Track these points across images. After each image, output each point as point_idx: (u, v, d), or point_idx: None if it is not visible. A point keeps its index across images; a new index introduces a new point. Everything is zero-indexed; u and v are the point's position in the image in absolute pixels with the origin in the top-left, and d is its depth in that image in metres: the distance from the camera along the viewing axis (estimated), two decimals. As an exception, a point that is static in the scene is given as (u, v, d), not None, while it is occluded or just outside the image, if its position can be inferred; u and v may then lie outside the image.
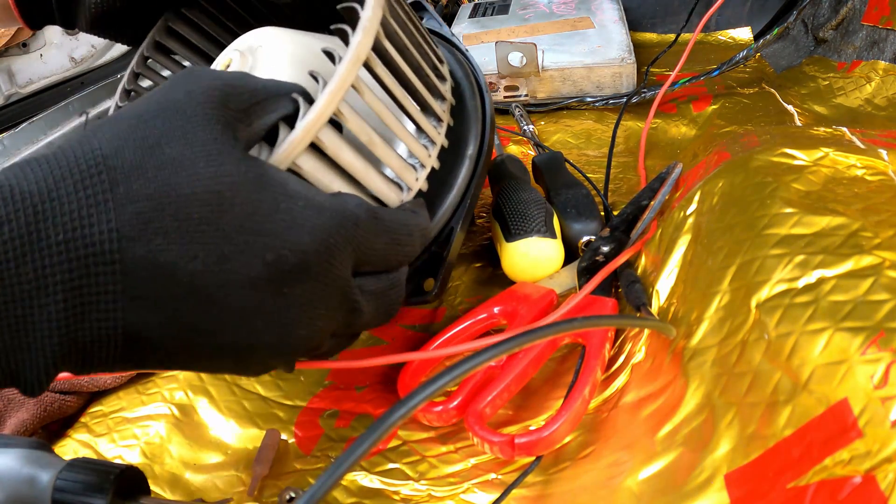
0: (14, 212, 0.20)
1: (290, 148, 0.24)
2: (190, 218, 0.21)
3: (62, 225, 0.20)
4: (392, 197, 0.28)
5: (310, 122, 0.24)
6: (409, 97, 0.29)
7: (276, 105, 0.25)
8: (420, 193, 0.30)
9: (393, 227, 0.27)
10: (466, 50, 0.41)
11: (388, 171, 0.30)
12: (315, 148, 0.25)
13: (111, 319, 0.21)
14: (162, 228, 0.21)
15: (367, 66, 0.26)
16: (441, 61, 0.34)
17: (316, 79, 0.25)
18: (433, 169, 0.31)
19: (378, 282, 0.28)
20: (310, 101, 0.25)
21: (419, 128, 0.31)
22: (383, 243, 0.27)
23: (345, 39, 0.25)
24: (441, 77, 0.33)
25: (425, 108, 0.31)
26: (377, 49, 0.26)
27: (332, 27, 0.26)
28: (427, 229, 0.29)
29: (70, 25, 0.37)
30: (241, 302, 0.23)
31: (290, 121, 0.25)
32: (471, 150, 0.36)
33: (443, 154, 0.32)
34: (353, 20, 0.25)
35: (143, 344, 0.22)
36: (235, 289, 0.22)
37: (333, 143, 0.25)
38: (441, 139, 0.31)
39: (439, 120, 0.32)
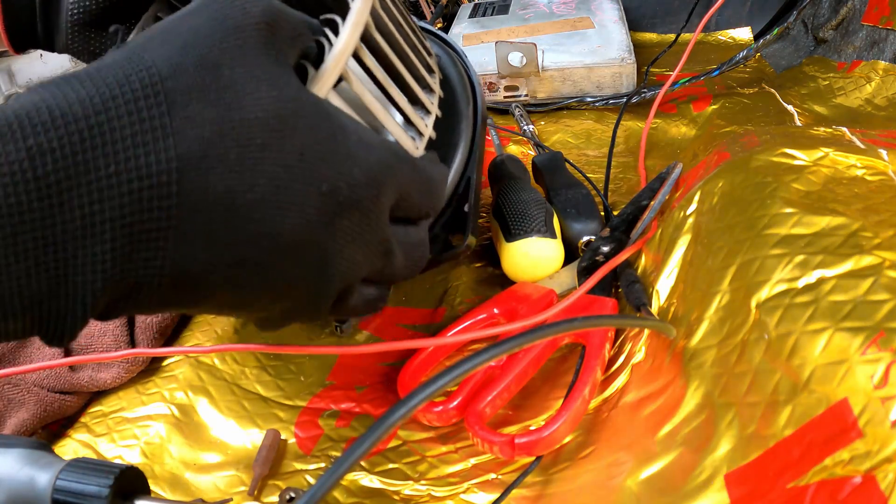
0: (57, 139, 0.17)
1: (323, 80, 0.23)
2: (252, 144, 0.20)
3: (113, 154, 0.18)
4: (408, 142, 0.29)
5: (339, 51, 0.24)
6: (407, 51, 0.30)
7: (307, 39, 0.24)
8: (430, 143, 0.31)
9: (426, 175, 0.27)
10: (434, 29, 0.42)
11: (397, 118, 0.31)
12: (338, 88, 0.25)
13: (159, 259, 0.19)
14: (223, 156, 0.19)
15: (366, 33, 0.26)
16: (424, 37, 0.35)
17: (332, 22, 0.25)
18: (437, 131, 0.31)
19: (407, 234, 0.28)
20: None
21: (417, 77, 0.31)
22: (418, 191, 0.27)
23: (334, 29, 0.25)
24: (428, 51, 0.35)
25: (420, 58, 0.32)
26: (373, 17, 0.27)
27: (322, 17, 0.26)
28: (447, 180, 0.30)
29: (51, 48, 0.37)
30: (293, 234, 0.21)
31: (310, 60, 0.24)
32: (465, 110, 0.38)
33: (442, 116, 0.33)
34: (342, 10, 0.25)
35: (186, 283, 0.20)
36: (290, 220, 0.21)
37: (357, 81, 0.25)
38: (437, 89, 0.32)
39: (432, 71, 0.33)
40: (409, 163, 0.26)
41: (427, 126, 0.30)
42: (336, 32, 0.25)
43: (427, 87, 0.32)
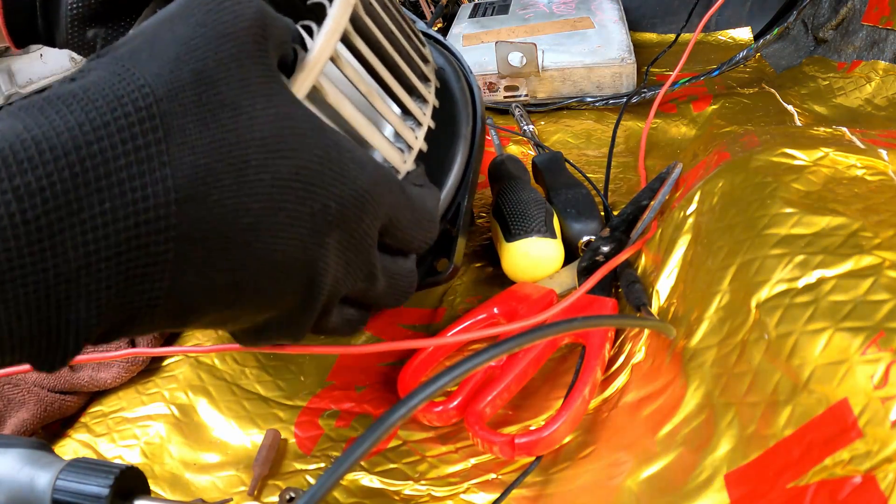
0: (46, 176, 0.16)
1: (293, 89, 0.22)
2: (248, 166, 0.19)
3: (108, 189, 0.16)
4: (395, 157, 0.28)
5: (311, 61, 0.22)
6: (396, 58, 0.28)
7: (289, 46, 0.22)
8: (420, 155, 0.29)
9: (418, 206, 0.27)
10: (442, 38, 0.41)
11: (387, 131, 0.30)
12: (313, 98, 0.23)
13: (156, 290, 0.18)
14: (219, 182, 0.18)
15: (347, 39, 0.25)
16: (423, 44, 0.34)
17: (309, 29, 0.24)
18: (432, 150, 0.30)
19: (395, 263, 0.27)
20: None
21: (408, 87, 0.30)
22: (408, 220, 0.26)
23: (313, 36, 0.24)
24: (424, 58, 0.33)
25: (412, 66, 0.30)
26: (356, 23, 0.25)
27: (300, 23, 0.25)
28: (438, 207, 0.28)
29: (52, 43, 0.37)
30: (285, 255, 0.21)
31: (285, 67, 0.23)
32: (464, 130, 0.36)
33: (439, 134, 0.31)
34: (321, 16, 0.24)
35: (179, 309, 0.20)
36: (282, 240, 0.21)
37: (335, 92, 0.24)
38: (432, 98, 0.31)
39: (427, 80, 0.31)
40: (400, 188, 0.25)
41: (417, 139, 0.29)
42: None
43: (420, 98, 0.31)
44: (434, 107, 0.31)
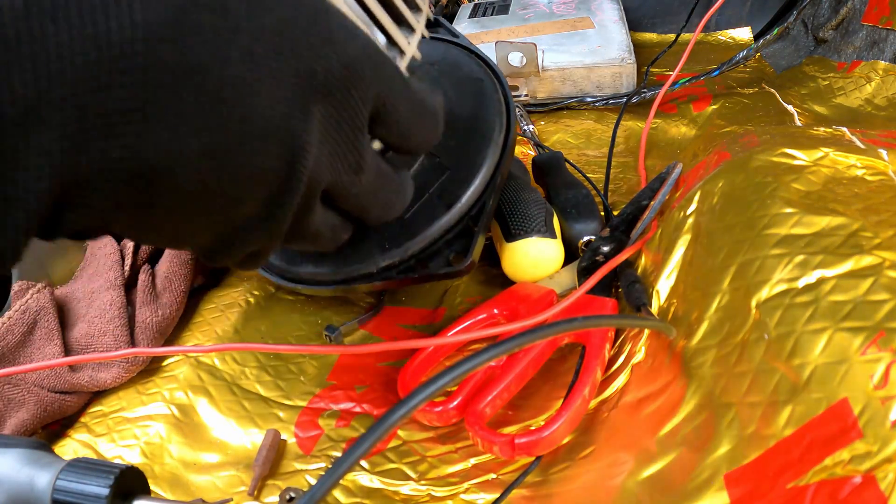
0: None
1: None
2: (228, 12, 0.18)
3: (65, 20, 0.15)
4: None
5: None
6: None
7: None
8: (451, 154, 0.30)
9: (418, 96, 0.24)
10: (483, 53, 0.43)
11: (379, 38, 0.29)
12: None
13: (118, 148, 0.16)
14: (196, 24, 0.17)
15: None
16: None
17: None
18: (464, 151, 0.31)
19: (385, 164, 0.25)
20: None
21: None
22: (406, 109, 0.24)
23: None
24: None
25: None
26: None
27: None
28: (442, 109, 0.27)
29: None
30: (264, 118, 0.19)
31: None
32: (498, 136, 0.39)
33: (472, 137, 0.34)
34: None
35: (149, 180, 0.17)
36: (263, 101, 0.19)
37: None
38: (425, 8, 0.30)
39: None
40: (396, 70, 0.23)
41: (410, 44, 0.28)
42: None
43: (415, 7, 0.30)
44: (428, 18, 0.30)
